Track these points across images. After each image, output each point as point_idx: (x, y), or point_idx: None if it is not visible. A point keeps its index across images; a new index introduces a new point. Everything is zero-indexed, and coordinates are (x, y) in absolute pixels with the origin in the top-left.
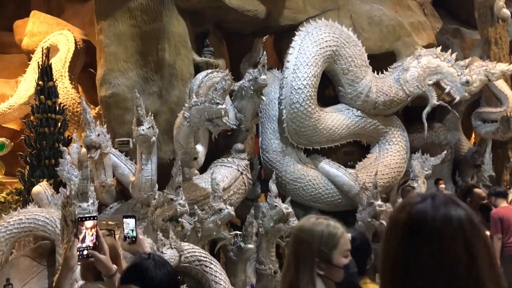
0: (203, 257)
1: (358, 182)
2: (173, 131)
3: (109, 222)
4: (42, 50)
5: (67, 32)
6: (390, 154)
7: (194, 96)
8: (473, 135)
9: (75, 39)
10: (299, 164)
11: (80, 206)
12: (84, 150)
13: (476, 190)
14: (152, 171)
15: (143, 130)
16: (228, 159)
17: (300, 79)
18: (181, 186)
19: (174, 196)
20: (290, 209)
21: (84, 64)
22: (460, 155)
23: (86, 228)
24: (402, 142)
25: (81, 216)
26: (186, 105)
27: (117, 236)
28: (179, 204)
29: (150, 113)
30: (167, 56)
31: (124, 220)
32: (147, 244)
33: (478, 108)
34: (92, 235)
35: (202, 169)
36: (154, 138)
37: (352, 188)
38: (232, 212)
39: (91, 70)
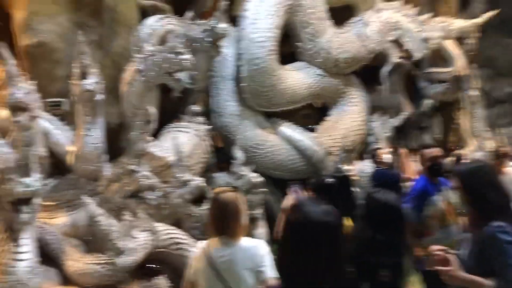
0: (182, 239)
1: (321, 146)
2: (118, 89)
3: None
4: None
5: None
6: (350, 116)
7: (147, 46)
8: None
9: None
10: (258, 129)
11: (21, 182)
12: (6, 112)
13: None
14: (99, 137)
15: (89, 84)
16: (184, 123)
17: (261, 31)
18: (144, 154)
19: (136, 166)
20: (261, 178)
21: None
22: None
23: None
24: (361, 103)
25: None
26: (139, 56)
27: None
28: (143, 175)
29: (96, 63)
30: None
31: None
32: None
33: (426, 68)
34: None
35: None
36: (100, 96)
37: (315, 153)
38: (202, 184)
39: None
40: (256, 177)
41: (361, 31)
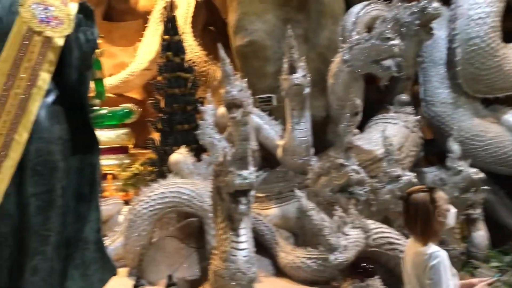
0: (395, 238)
1: None
2: (324, 82)
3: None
4: (165, 3)
5: None
6: None
7: (353, 35)
8: None
9: None
10: (476, 118)
11: (240, 174)
12: (222, 110)
13: None
14: (306, 130)
15: (297, 79)
16: (391, 114)
17: (480, 6)
18: (352, 147)
19: (345, 160)
20: (482, 174)
21: (204, 22)
22: None
23: None
24: None
25: None
26: (345, 45)
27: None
28: (353, 170)
29: (303, 57)
30: None
31: None
32: None
33: None
34: None
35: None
36: (308, 89)
37: None
38: (414, 179)
39: (211, 27)
40: (476, 173)
41: None
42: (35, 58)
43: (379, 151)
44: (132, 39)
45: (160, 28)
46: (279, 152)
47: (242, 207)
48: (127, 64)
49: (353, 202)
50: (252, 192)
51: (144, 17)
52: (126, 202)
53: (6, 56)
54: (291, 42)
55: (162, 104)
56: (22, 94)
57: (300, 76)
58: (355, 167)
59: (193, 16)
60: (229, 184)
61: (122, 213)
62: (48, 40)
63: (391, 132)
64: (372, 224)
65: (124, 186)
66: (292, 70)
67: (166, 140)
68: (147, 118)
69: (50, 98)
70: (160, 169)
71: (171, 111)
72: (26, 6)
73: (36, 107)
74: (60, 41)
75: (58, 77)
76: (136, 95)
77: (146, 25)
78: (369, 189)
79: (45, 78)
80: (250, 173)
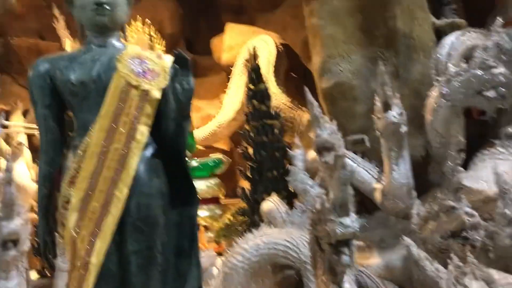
0: None
1: None
2: (420, 119)
3: None
4: (249, 52)
5: (264, 36)
6: None
7: (449, 67)
8: None
9: (275, 42)
10: None
11: (341, 223)
12: (313, 154)
13: None
14: (407, 171)
15: (393, 116)
16: (499, 149)
17: None
18: (462, 188)
19: (455, 202)
20: None
21: (286, 70)
22: None
23: None
24: None
25: None
26: (441, 79)
27: None
28: (466, 213)
29: (397, 94)
30: (400, 24)
31: None
32: None
33: None
34: None
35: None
36: (405, 127)
37: None
38: None
39: (293, 74)
40: None
41: None
42: (133, 112)
43: (491, 190)
44: (217, 92)
45: (244, 79)
46: (377, 197)
47: (344, 258)
48: (213, 116)
49: (468, 249)
50: (355, 242)
51: (227, 70)
52: (219, 254)
53: (106, 112)
54: (384, 79)
55: (251, 152)
56: (121, 149)
57: (396, 113)
58: (468, 209)
59: (274, 65)
60: (330, 233)
61: (216, 266)
62: (145, 93)
63: (503, 169)
64: (496, 274)
65: (217, 238)
66: (387, 108)
67: (256, 188)
68: (234, 167)
69: (148, 152)
70: (252, 218)
71: (260, 158)
72: (123, 61)
73: (135, 161)
74: (157, 94)
75: (155, 130)
76: (223, 145)
77: (230, 77)
78: (485, 233)
79: (143, 131)
80: (352, 221)
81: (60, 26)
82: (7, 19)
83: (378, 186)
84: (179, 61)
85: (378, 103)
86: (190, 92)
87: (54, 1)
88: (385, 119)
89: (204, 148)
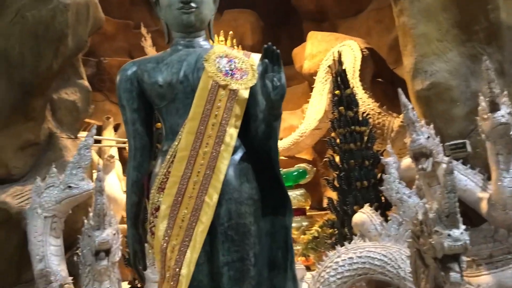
0: None
1: None
2: None
3: None
4: (333, 58)
5: (349, 41)
6: None
7: None
8: None
9: (359, 47)
10: None
11: (449, 235)
12: (407, 161)
13: None
14: None
15: (502, 116)
16: None
17: None
18: None
19: None
20: None
21: (372, 75)
22: None
23: None
24: None
25: None
26: None
27: None
28: None
29: (504, 92)
30: (503, 16)
31: None
32: None
33: None
34: None
35: None
36: None
37: None
38: None
39: (380, 79)
40: None
41: None
42: (221, 113)
43: None
44: (299, 102)
45: (326, 87)
46: (483, 207)
47: (454, 275)
48: (296, 127)
49: None
50: (464, 256)
51: (309, 79)
52: (308, 268)
53: (194, 113)
54: (490, 76)
55: (338, 161)
56: (210, 153)
57: (505, 113)
58: None
59: (360, 70)
60: (436, 247)
61: (305, 280)
62: (233, 93)
63: None
64: None
65: (305, 251)
66: (494, 107)
67: (345, 199)
68: (319, 178)
69: (238, 155)
70: (341, 231)
71: (348, 167)
72: (211, 60)
73: (225, 165)
74: (245, 93)
75: (244, 132)
76: (306, 155)
77: (312, 86)
78: None
79: (232, 133)
80: (462, 233)
81: (147, 44)
82: (98, 40)
83: (483, 195)
84: (269, 55)
85: (483, 103)
86: (282, 89)
87: (141, 20)
88: (492, 120)
89: (287, 158)
